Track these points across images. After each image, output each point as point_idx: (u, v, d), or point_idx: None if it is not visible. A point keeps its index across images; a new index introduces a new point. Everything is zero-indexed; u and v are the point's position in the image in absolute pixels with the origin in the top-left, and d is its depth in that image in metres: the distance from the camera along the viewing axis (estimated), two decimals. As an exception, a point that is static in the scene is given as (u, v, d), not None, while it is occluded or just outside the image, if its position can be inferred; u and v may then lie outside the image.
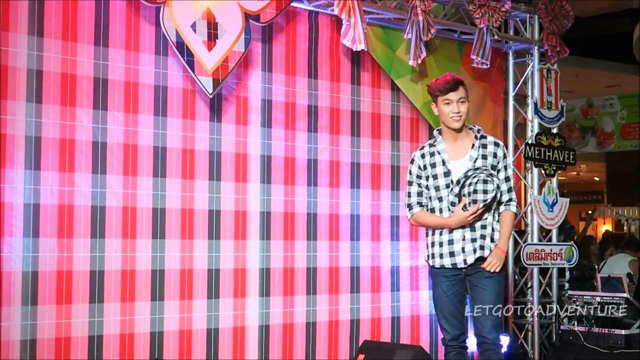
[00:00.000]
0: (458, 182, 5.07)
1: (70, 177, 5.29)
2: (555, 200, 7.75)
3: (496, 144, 5.17)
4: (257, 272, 6.05)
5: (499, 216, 5.19)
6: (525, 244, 7.52)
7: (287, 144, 6.24)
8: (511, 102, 7.88)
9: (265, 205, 6.11)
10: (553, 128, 7.93)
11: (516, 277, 7.82)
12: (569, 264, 7.79)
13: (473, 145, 5.13)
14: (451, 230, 5.09)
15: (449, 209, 5.09)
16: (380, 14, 6.68)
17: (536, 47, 7.77)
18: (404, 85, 6.88)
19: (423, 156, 5.22)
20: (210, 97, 5.71)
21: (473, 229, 5.08)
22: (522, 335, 7.69)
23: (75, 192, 5.30)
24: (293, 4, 6.14)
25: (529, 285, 7.77)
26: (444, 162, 5.13)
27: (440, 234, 5.15)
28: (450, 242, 5.11)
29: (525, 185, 8.03)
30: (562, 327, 7.34)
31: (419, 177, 5.22)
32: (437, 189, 5.13)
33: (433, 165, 5.15)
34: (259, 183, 6.09)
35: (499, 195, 5.09)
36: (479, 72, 7.32)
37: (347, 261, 6.52)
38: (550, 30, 7.70)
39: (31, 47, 5.17)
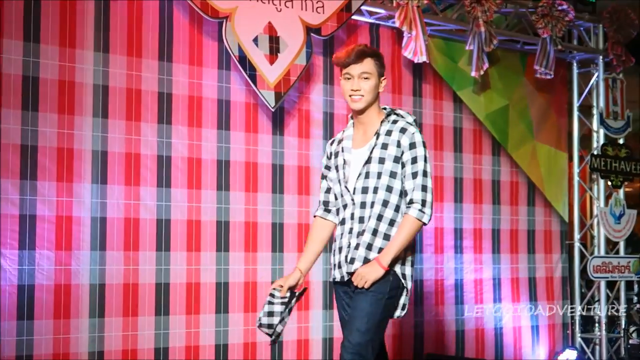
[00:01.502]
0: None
1: (136, 190, 5.37)
2: (622, 212, 7.63)
3: (402, 130, 3.94)
4: (320, 285, 6.05)
5: None
6: (592, 256, 7.41)
7: (349, 156, 6.24)
8: (575, 113, 7.77)
9: (328, 218, 6.11)
10: (619, 138, 7.81)
11: (583, 290, 7.69)
12: (638, 277, 7.65)
13: (376, 132, 3.99)
14: (341, 236, 4.02)
15: (343, 211, 4.03)
16: (441, 25, 6.67)
17: (601, 57, 7.67)
18: (466, 97, 6.84)
19: (333, 142, 4.20)
20: (273, 110, 5.75)
21: (355, 234, 3.96)
22: (589, 350, 7.55)
23: (141, 205, 5.37)
24: (354, 17, 6.15)
25: (596, 298, 7.63)
26: (343, 150, 4.07)
27: (335, 240, 4.10)
28: (339, 250, 4.02)
29: (591, 197, 7.91)
30: (630, 341, 7.20)
31: (327, 167, 4.18)
32: (336, 182, 4.09)
33: (337, 154, 4.10)
34: (321, 196, 6.10)
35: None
36: (542, 82, 7.25)
37: (411, 274, 6.48)
38: (615, 39, 7.59)
39: (97, 63, 5.27)
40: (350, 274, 3.91)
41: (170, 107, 5.52)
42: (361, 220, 3.93)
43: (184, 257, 5.51)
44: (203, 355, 5.53)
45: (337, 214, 4.09)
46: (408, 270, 3.97)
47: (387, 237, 3.91)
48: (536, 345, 7.22)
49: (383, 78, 4.03)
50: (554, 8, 7.00)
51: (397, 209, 3.94)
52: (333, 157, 4.13)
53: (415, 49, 6.24)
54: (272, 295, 4.03)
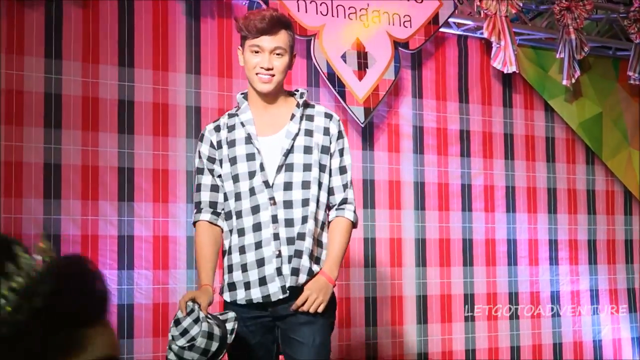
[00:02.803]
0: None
1: (230, 209, 5.43)
2: None
3: (328, 116, 3.43)
4: (414, 300, 6.02)
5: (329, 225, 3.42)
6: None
7: (440, 169, 6.21)
8: (672, 119, 7.58)
9: (419, 232, 6.08)
10: None
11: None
12: None
13: (293, 115, 3.38)
14: (259, 245, 3.26)
15: (252, 214, 3.31)
16: (530, 34, 6.59)
17: (697, 60, 7.46)
18: (558, 106, 6.73)
19: (218, 129, 3.45)
20: (362, 126, 5.76)
21: (291, 241, 3.25)
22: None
23: (235, 223, 5.43)
24: (442, 29, 6.12)
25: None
26: (248, 139, 3.36)
27: (243, 251, 3.29)
28: (260, 262, 3.25)
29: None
30: None
31: (212, 160, 3.42)
32: (235, 179, 3.33)
33: (232, 144, 3.37)
34: (412, 210, 6.08)
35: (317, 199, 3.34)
36: (637, 88, 7.08)
37: (505, 287, 6.41)
38: None
39: (189, 85, 5.37)
40: (294, 288, 3.25)
41: (261, 126, 5.58)
42: (289, 223, 3.27)
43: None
44: None
45: (228, 218, 3.38)
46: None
47: (320, 244, 3.35)
48: (637, 357, 7.04)
49: (294, 54, 3.49)
50: (646, 12, 6.84)
51: (326, 209, 3.40)
52: (225, 145, 3.39)
53: (505, 59, 6.17)
54: (195, 318, 3.15)
